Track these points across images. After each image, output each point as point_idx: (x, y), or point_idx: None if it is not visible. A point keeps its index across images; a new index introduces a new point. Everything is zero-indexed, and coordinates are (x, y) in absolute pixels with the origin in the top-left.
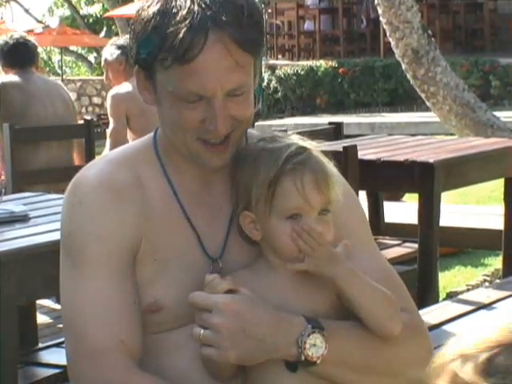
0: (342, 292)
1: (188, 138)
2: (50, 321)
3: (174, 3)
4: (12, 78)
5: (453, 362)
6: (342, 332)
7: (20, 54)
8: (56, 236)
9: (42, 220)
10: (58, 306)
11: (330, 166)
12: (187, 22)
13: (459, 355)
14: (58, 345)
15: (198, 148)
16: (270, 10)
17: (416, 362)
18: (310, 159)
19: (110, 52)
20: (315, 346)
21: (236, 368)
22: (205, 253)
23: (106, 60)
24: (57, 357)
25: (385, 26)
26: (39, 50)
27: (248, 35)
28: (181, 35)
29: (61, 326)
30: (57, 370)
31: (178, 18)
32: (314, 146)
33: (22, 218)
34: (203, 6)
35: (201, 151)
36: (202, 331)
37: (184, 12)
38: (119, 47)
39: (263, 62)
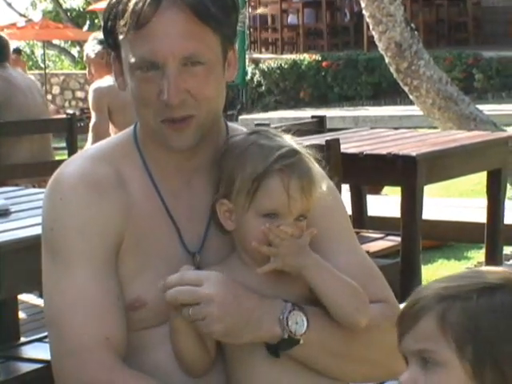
0: (308, 282)
1: (151, 118)
2: (33, 315)
3: None
4: None
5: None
6: (322, 315)
7: None
8: (38, 230)
9: (24, 214)
10: (40, 301)
11: (316, 171)
12: None
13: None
14: (40, 339)
15: (160, 128)
16: (253, 3)
17: (394, 351)
18: (299, 164)
19: (91, 47)
20: (297, 324)
21: (210, 361)
22: (184, 247)
23: (87, 55)
24: (39, 352)
25: (368, 20)
26: (22, 43)
27: (206, 6)
28: (134, 0)
29: (43, 320)
30: (39, 365)
31: None
32: (305, 151)
33: (3, 213)
34: None
35: (163, 130)
36: (191, 309)
37: None
38: (100, 41)
39: (247, 56)
